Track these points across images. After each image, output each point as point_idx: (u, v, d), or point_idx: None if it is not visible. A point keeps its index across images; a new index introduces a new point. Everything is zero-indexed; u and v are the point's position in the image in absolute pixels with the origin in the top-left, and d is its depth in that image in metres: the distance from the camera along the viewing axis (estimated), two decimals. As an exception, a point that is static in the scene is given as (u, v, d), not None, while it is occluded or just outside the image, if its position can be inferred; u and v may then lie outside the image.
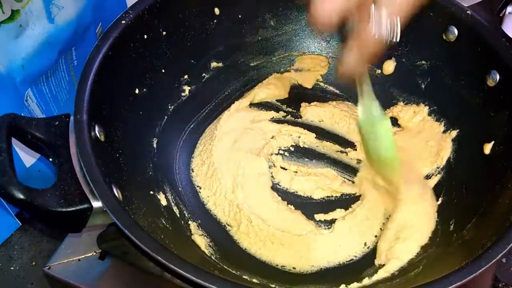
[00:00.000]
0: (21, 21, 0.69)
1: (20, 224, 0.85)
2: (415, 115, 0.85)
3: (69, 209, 0.56)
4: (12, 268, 0.82)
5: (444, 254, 0.66)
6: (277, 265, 0.71)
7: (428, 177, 0.80)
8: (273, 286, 0.67)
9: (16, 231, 0.85)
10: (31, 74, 0.75)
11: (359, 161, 0.83)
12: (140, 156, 0.74)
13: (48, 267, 0.70)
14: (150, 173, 0.74)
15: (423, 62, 0.84)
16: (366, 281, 0.67)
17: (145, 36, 0.74)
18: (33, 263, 0.82)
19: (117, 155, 0.67)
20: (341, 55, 0.56)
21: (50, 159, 0.62)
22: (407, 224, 0.73)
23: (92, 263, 0.71)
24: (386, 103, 0.88)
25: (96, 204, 0.57)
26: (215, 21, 0.84)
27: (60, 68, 0.81)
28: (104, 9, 0.87)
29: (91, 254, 0.71)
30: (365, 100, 0.64)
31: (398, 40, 0.51)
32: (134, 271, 0.70)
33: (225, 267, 0.68)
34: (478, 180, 0.73)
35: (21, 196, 0.53)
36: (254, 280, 0.67)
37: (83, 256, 0.71)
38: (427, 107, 0.84)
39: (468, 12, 0.75)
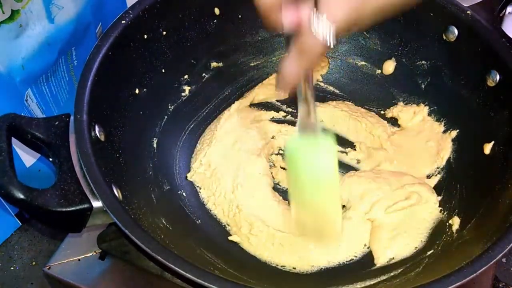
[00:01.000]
0: (21, 21, 0.70)
1: (20, 224, 0.85)
2: (415, 115, 0.85)
3: (69, 209, 0.56)
4: (12, 268, 0.82)
5: (444, 254, 0.66)
6: (277, 265, 0.71)
7: (428, 177, 0.80)
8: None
9: (16, 231, 0.85)
10: (31, 74, 0.75)
11: (358, 161, 0.83)
12: (140, 156, 0.74)
13: (48, 267, 0.70)
14: (150, 173, 0.74)
15: (423, 62, 0.84)
16: (367, 281, 0.67)
17: (145, 36, 0.74)
18: (33, 263, 0.82)
19: (117, 155, 0.67)
20: (280, 62, 0.53)
21: (50, 159, 0.62)
22: (400, 224, 0.73)
23: (92, 263, 0.71)
24: (386, 103, 0.89)
25: (96, 204, 0.57)
26: (215, 21, 0.84)
27: (60, 68, 0.81)
28: (104, 9, 0.87)
29: (91, 254, 0.71)
30: (304, 114, 0.58)
31: (332, 46, 0.49)
32: (134, 271, 0.70)
33: (225, 267, 0.68)
34: (478, 180, 0.73)
35: (21, 196, 0.53)
36: (253, 281, 0.67)
37: (83, 256, 0.71)
38: (427, 107, 0.84)
39: (468, 12, 0.75)
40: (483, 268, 0.53)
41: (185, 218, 0.75)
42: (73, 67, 0.84)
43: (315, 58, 0.52)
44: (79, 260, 0.71)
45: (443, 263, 0.63)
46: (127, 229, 0.53)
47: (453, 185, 0.77)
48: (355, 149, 0.85)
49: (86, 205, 0.56)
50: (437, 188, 0.78)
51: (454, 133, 0.80)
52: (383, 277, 0.68)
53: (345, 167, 0.83)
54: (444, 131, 0.82)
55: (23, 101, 0.76)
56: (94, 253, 0.72)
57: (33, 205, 0.54)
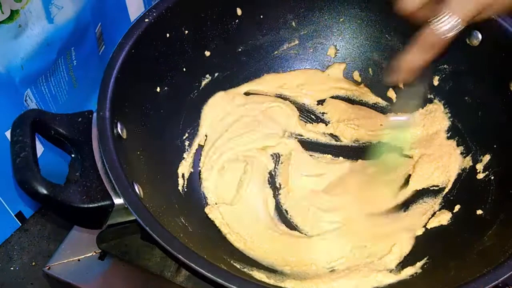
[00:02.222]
0: (21, 21, 0.69)
1: (20, 224, 0.85)
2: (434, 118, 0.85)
3: (91, 206, 0.56)
4: (12, 268, 0.82)
5: (464, 261, 0.65)
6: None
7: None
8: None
9: (16, 231, 0.85)
10: (30, 74, 0.75)
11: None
12: (161, 154, 0.74)
13: (48, 267, 0.71)
14: (171, 171, 0.75)
15: (445, 66, 0.83)
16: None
17: (168, 35, 0.74)
18: (33, 263, 0.82)
19: (138, 152, 0.68)
20: (397, 55, 0.58)
21: (73, 155, 0.63)
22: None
23: (92, 263, 0.71)
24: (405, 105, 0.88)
25: (118, 201, 0.57)
26: (237, 21, 0.84)
27: (59, 68, 0.81)
28: (104, 10, 0.87)
29: (91, 254, 0.72)
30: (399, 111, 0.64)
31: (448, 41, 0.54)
32: (134, 271, 0.70)
33: (239, 267, 0.69)
34: (497, 190, 0.72)
35: (45, 192, 0.54)
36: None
37: (83, 256, 0.71)
38: (447, 110, 0.84)
39: (493, 17, 0.74)
40: (506, 275, 0.53)
41: (204, 219, 0.75)
42: (73, 67, 0.84)
43: (435, 52, 0.56)
44: (78, 260, 0.71)
45: (464, 270, 0.62)
46: (148, 226, 0.54)
47: (472, 193, 0.76)
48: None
49: (108, 202, 0.57)
50: (455, 197, 0.77)
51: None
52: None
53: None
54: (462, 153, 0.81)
55: (23, 101, 0.76)
56: (94, 253, 0.72)
57: (56, 201, 0.55)
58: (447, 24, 0.54)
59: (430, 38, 0.55)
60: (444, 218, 0.75)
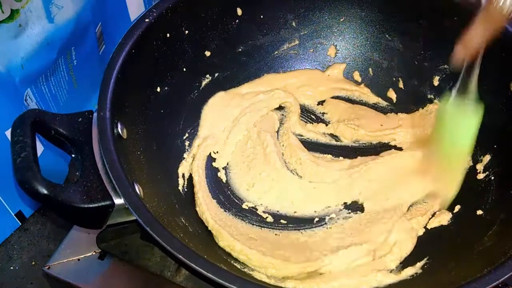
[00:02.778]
0: (21, 21, 0.69)
1: (20, 223, 0.85)
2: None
3: (91, 206, 0.56)
4: (11, 268, 0.81)
5: (464, 261, 0.65)
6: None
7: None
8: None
9: (16, 231, 0.85)
10: (30, 73, 0.74)
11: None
12: (161, 154, 0.74)
13: (47, 267, 0.70)
14: (171, 171, 0.75)
15: (445, 66, 0.83)
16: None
17: (168, 35, 0.74)
18: (33, 263, 0.82)
19: (138, 152, 0.68)
20: (464, 32, 0.58)
21: (73, 155, 0.63)
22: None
23: (92, 263, 0.71)
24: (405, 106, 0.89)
25: (118, 201, 0.57)
26: (237, 21, 0.84)
27: (59, 68, 0.81)
28: (104, 9, 0.86)
29: (90, 254, 0.72)
30: (468, 86, 0.64)
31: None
32: (133, 270, 0.70)
33: (239, 267, 0.68)
34: (497, 190, 0.73)
35: (45, 192, 0.54)
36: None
37: (83, 256, 0.71)
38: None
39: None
40: (507, 276, 0.53)
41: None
42: (73, 66, 0.84)
43: (497, 29, 0.56)
44: (78, 260, 0.71)
45: (464, 270, 0.62)
46: (149, 226, 0.54)
47: (472, 194, 0.75)
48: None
49: (108, 202, 0.57)
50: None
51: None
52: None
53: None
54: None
55: (23, 100, 0.75)
56: (94, 253, 0.72)
57: (56, 201, 0.55)
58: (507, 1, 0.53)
59: (492, 16, 0.55)
60: (444, 218, 0.75)
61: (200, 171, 0.79)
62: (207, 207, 0.74)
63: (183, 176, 0.78)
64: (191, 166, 0.79)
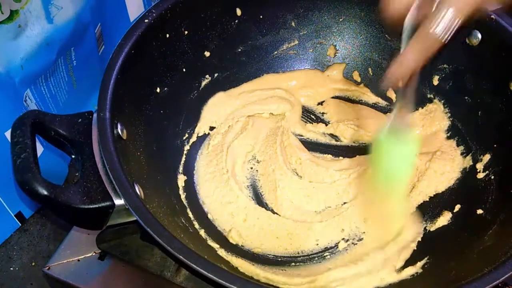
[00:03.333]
0: (20, 22, 0.69)
1: (20, 224, 0.85)
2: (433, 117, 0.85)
3: (91, 207, 0.56)
4: (11, 268, 0.81)
5: (464, 261, 0.65)
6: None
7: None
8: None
9: (16, 232, 0.85)
10: (30, 74, 0.74)
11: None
12: (161, 155, 0.74)
13: (47, 268, 0.70)
14: (171, 171, 0.75)
15: (445, 65, 0.83)
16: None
17: (167, 35, 0.74)
18: (33, 264, 0.82)
19: (138, 153, 0.68)
20: (396, 55, 0.56)
21: (73, 156, 0.63)
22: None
23: (92, 263, 0.71)
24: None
25: (118, 202, 0.57)
26: (236, 21, 0.84)
27: (59, 69, 0.81)
28: (103, 10, 0.86)
29: (90, 254, 0.71)
30: (399, 112, 0.62)
31: (447, 41, 0.52)
32: (133, 271, 0.70)
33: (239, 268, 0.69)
34: (497, 189, 0.72)
35: (45, 193, 0.54)
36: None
37: (83, 257, 0.71)
38: (447, 109, 0.84)
39: (492, 16, 0.74)
40: (506, 275, 0.53)
41: (204, 219, 0.75)
42: (72, 67, 0.84)
43: (430, 53, 0.54)
44: (78, 260, 0.71)
45: (463, 269, 0.62)
46: (149, 227, 0.54)
47: (472, 194, 0.76)
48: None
49: (108, 203, 0.57)
50: (455, 197, 0.77)
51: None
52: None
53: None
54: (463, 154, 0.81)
55: (22, 101, 0.75)
56: (94, 254, 0.71)
57: (56, 202, 0.55)
58: (443, 23, 0.51)
59: (426, 40, 0.53)
60: (444, 218, 0.75)
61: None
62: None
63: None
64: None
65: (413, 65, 0.55)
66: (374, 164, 0.68)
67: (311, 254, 0.74)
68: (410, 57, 0.55)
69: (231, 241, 0.73)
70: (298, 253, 0.74)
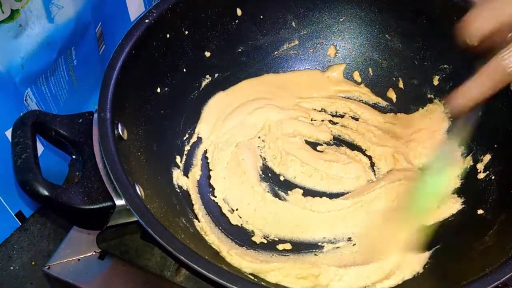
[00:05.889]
0: (21, 21, 0.69)
1: (20, 223, 0.85)
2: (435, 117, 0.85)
3: (92, 207, 0.56)
4: (11, 267, 0.81)
5: (465, 261, 0.65)
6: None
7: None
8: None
9: (16, 231, 0.85)
10: (30, 73, 0.74)
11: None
12: (161, 155, 0.74)
13: (47, 267, 0.70)
14: (171, 171, 0.74)
15: (445, 65, 0.83)
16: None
17: (168, 36, 0.74)
18: (33, 263, 0.82)
19: (139, 153, 0.67)
20: (464, 84, 0.54)
21: (74, 156, 0.63)
22: None
23: (92, 263, 0.71)
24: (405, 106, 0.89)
25: (119, 202, 0.57)
26: (236, 21, 0.84)
27: (59, 68, 0.81)
28: (104, 9, 0.87)
29: (90, 253, 0.71)
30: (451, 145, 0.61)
31: None
32: (134, 270, 0.70)
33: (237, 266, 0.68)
34: (498, 189, 0.73)
35: (46, 193, 0.54)
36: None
37: (83, 256, 0.71)
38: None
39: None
40: (507, 276, 0.53)
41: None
42: (73, 66, 0.84)
43: (498, 86, 0.51)
44: (78, 260, 0.71)
45: (465, 269, 0.62)
46: (150, 227, 0.54)
47: (473, 193, 0.76)
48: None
49: (109, 203, 0.57)
50: (457, 195, 0.77)
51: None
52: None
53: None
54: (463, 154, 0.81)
55: (23, 100, 0.75)
56: (94, 253, 0.71)
57: (57, 202, 0.55)
58: None
59: (497, 72, 0.50)
60: (445, 217, 0.75)
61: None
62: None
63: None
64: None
65: (478, 96, 0.53)
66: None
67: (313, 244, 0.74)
68: (476, 86, 0.52)
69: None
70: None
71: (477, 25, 0.51)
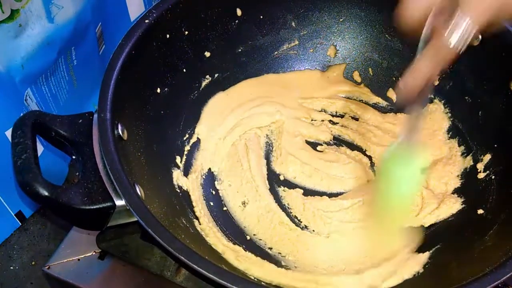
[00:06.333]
0: (21, 21, 0.69)
1: (20, 224, 0.85)
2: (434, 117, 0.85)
3: (92, 207, 0.56)
4: (11, 267, 0.81)
5: (465, 261, 0.65)
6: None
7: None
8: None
9: (16, 231, 0.85)
10: (30, 73, 0.74)
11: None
12: (161, 155, 0.74)
13: (47, 267, 0.70)
14: (171, 172, 0.74)
15: (445, 66, 0.83)
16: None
17: (168, 36, 0.74)
18: (33, 263, 0.82)
19: (139, 154, 0.67)
20: (410, 65, 0.54)
21: (73, 157, 0.63)
22: None
23: (92, 263, 0.71)
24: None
25: (119, 202, 0.57)
26: (236, 21, 0.84)
27: (59, 68, 0.81)
28: (104, 9, 0.86)
29: (90, 253, 0.71)
30: (409, 125, 0.60)
31: (462, 52, 0.50)
32: (134, 271, 0.70)
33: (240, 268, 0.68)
34: (498, 189, 0.73)
35: (46, 193, 0.54)
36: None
37: (83, 256, 0.71)
38: (448, 109, 0.84)
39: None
40: (507, 276, 0.53)
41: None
42: (73, 66, 0.84)
43: (443, 64, 0.52)
44: (78, 260, 0.71)
45: (466, 269, 0.62)
46: (150, 228, 0.54)
47: (474, 193, 0.76)
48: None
49: (109, 204, 0.57)
50: (458, 195, 0.77)
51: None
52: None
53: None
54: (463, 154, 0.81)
55: (23, 101, 0.75)
56: (94, 253, 0.71)
57: (57, 203, 0.55)
58: (458, 33, 0.50)
59: (440, 49, 0.51)
60: (445, 217, 0.75)
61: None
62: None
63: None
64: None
65: (426, 76, 0.54)
66: (379, 184, 0.68)
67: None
68: (423, 67, 0.53)
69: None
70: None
71: (409, 13, 0.53)
